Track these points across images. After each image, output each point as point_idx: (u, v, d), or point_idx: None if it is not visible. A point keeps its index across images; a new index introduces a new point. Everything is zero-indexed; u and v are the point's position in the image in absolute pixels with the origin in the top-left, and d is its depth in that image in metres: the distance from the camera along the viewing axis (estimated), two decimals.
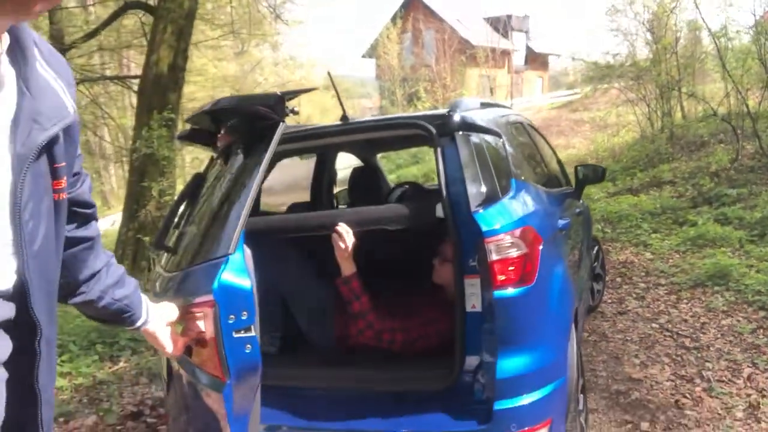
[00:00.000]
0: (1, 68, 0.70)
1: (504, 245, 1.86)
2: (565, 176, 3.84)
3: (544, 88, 30.90)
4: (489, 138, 2.25)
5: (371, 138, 2.47)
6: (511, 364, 1.85)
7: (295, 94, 1.79)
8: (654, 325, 4.14)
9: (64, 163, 0.82)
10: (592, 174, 3.89)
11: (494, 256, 1.84)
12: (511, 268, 1.87)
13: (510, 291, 1.85)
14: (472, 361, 1.93)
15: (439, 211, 2.06)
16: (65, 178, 0.83)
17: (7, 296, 0.75)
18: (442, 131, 2.09)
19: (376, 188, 3.42)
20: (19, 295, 0.76)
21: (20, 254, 0.74)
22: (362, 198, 3.30)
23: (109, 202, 20.57)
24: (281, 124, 1.69)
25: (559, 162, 3.93)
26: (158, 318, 1.26)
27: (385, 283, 2.40)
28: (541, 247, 1.99)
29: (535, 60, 30.07)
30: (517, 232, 1.90)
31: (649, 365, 3.49)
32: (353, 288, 2.18)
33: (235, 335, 1.46)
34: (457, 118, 2.09)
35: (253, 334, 1.50)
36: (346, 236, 2.15)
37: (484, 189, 1.97)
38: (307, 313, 2.38)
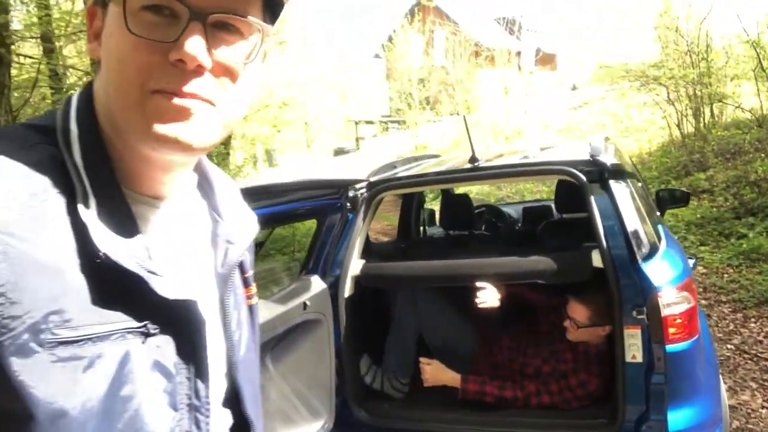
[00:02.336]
0: (194, 200, 0.78)
1: (674, 299, 1.87)
2: None
3: (553, 87, 30.84)
4: (633, 181, 2.25)
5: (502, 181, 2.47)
6: (681, 417, 1.87)
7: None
8: (729, 346, 4.15)
9: (251, 272, 0.89)
10: (670, 197, 3.87)
11: (666, 311, 1.85)
12: (678, 321, 1.88)
13: (680, 345, 1.86)
14: (634, 411, 1.94)
15: (596, 261, 2.05)
16: (253, 284, 0.90)
17: (225, 403, 0.81)
18: (592, 178, 2.09)
19: (467, 213, 3.41)
20: (233, 400, 0.81)
21: (231, 362, 0.80)
22: (454, 223, 3.31)
23: None
24: None
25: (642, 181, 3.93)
26: None
27: (517, 334, 2.39)
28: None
29: (545, 60, 29.99)
30: (683, 284, 1.91)
31: (738, 391, 3.50)
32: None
33: None
34: (609, 164, 2.08)
35: None
36: None
37: (644, 239, 1.98)
38: (448, 355, 2.38)
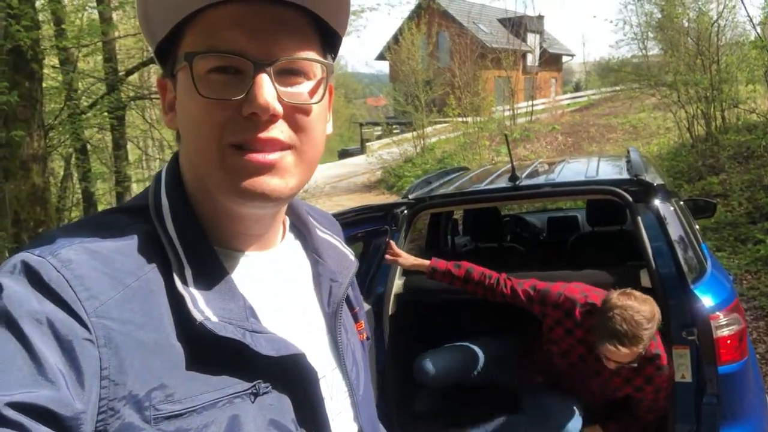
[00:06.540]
0: (290, 244, 0.78)
1: (725, 321, 1.88)
2: None
3: (557, 88, 30.89)
4: (675, 200, 2.26)
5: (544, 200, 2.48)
6: None
7: None
8: (755, 356, 4.14)
9: (358, 308, 0.89)
10: (695, 207, 3.86)
11: (718, 333, 1.86)
12: (729, 342, 1.89)
13: (732, 366, 1.87)
14: (683, 430, 1.95)
15: (644, 281, 2.06)
16: (363, 320, 0.90)
17: None
18: (638, 198, 2.10)
19: (496, 226, 3.42)
20: None
21: (354, 403, 0.78)
22: (483, 235, 3.32)
23: None
24: None
25: None
26: None
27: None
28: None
29: (549, 61, 29.98)
30: (732, 305, 1.92)
31: None
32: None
33: None
34: (654, 184, 2.09)
35: None
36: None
37: (693, 260, 1.99)
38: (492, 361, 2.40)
